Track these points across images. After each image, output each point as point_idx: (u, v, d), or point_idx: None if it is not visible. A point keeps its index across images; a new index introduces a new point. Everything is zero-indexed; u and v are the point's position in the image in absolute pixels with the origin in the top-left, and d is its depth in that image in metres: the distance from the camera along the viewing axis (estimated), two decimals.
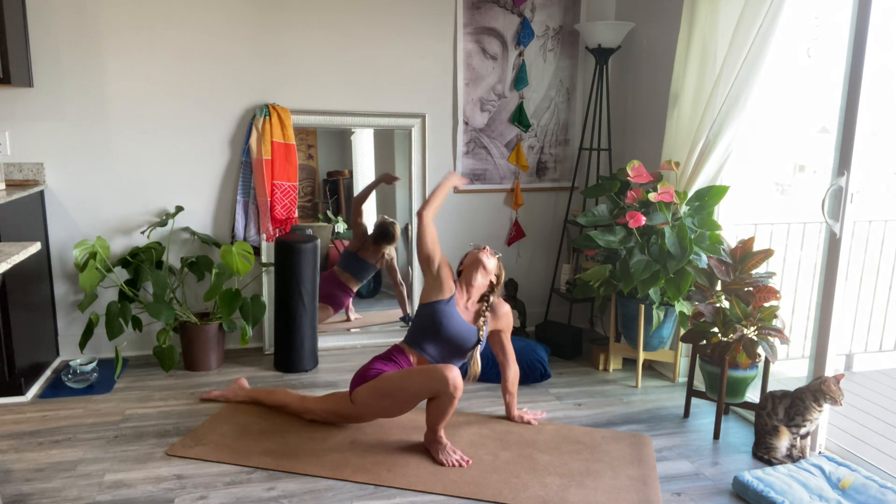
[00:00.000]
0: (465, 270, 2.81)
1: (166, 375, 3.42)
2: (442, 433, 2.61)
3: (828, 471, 2.49)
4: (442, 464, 2.56)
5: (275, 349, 3.56)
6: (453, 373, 2.48)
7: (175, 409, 3.02)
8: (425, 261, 2.75)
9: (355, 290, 3.96)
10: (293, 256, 3.39)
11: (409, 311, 4.02)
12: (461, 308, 2.76)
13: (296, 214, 3.67)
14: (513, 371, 2.95)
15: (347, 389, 2.83)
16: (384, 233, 3.92)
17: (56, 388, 3.22)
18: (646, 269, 3.12)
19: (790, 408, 2.62)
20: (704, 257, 3.09)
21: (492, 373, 3.41)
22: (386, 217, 3.95)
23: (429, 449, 2.63)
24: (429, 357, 2.72)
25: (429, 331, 2.71)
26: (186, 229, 3.65)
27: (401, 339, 3.91)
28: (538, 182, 4.17)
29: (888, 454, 2.97)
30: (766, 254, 2.88)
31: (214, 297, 3.38)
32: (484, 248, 2.82)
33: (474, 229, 4.12)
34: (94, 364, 3.25)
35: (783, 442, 2.63)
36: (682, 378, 3.50)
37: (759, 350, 2.71)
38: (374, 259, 3.91)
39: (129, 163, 3.54)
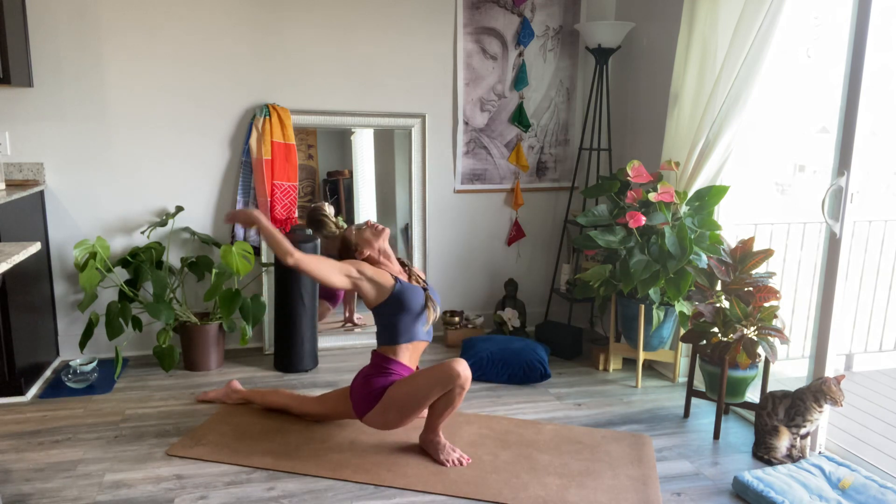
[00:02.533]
0: (368, 249, 2.71)
1: (166, 375, 3.42)
2: (440, 432, 2.61)
3: (828, 471, 2.49)
4: (442, 463, 2.55)
5: (275, 349, 3.56)
6: (461, 366, 2.45)
7: (175, 409, 3.02)
8: (351, 286, 2.59)
9: None
10: None
11: (355, 311, 3.99)
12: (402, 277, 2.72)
13: (296, 214, 3.68)
14: None
15: (342, 388, 2.84)
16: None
17: (56, 388, 3.22)
18: (646, 269, 3.12)
19: (790, 408, 2.62)
20: (704, 257, 3.09)
21: (492, 373, 3.42)
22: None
23: (426, 449, 2.63)
24: (406, 338, 2.65)
25: (400, 318, 2.62)
26: (186, 229, 3.65)
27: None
28: (538, 182, 4.17)
29: (888, 454, 2.97)
30: (766, 254, 2.88)
31: (214, 297, 3.38)
32: (362, 229, 2.72)
33: (474, 229, 4.12)
34: (94, 364, 3.25)
35: (783, 442, 2.63)
36: (682, 378, 3.50)
37: (759, 350, 2.71)
38: (334, 249, 3.89)
39: (129, 163, 3.54)
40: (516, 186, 4.12)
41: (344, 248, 2.77)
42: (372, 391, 2.60)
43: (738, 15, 2.90)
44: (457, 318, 3.98)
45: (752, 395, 3.05)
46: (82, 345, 3.30)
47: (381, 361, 2.66)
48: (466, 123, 3.98)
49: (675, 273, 3.10)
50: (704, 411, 3.13)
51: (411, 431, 2.80)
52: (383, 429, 2.68)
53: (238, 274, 3.35)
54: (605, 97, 3.96)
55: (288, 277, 3.42)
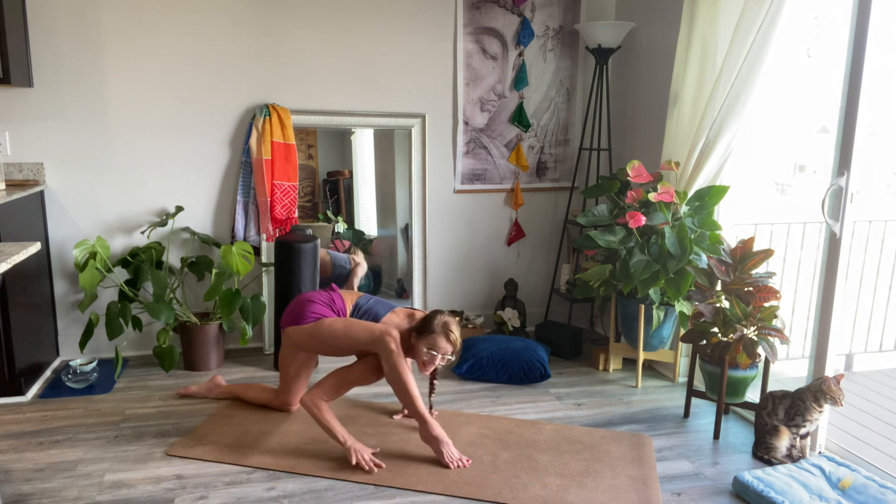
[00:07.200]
0: (422, 347, 2.71)
1: (166, 375, 3.42)
2: (423, 409, 2.57)
3: (828, 471, 2.49)
4: (443, 462, 2.55)
5: (275, 349, 3.56)
6: (394, 344, 2.59)
7: (175, 409, 3.03)
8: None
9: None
10: (293, 256, 3.39)
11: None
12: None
13: (296, 214, 3.67)
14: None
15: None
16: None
17: (56, 388, 3.22)
18: (646, 269, 3.11)
19: (790, 408, 2.62)
20: (704, 257, 3.09)
21: (492, 373, 3.42)
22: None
23: (430, 446, 2.61)
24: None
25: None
26: (186, 229, 3.65)
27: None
28: (538, 182, 4.17)
29: (888, 454, 2.97)
30: (766, 254, 2.88)
31: (214, 297, 3.38)
32: (444, 341, 2.74)
33: (474, 229, 4.12)
34: (94, 364, 3.25)
35: (783, 442, 2.63)
36: (682, 378, 3.50)
37: (759, 350, 2.71)
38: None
39: (129, 163, 3.54)
40: (516, 186, 4.12)
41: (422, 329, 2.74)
42: (309, 313, 2.75)
43: (738, 15, 2.90)
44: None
45: (752, 395, 3.05)
46: (82, 345, 3.30)
47: (334, 297, 2.84)
48: (466, 123, 3.98)
49: (675, 273, 3.10)
50: (704, 411, 3.13)
51: (412, 432, 2.80)
52: (294, 349, 2.83)
53: (238, 274, 3.35)
54: (605, 97, 3.96)
55: (288, 277, 3.42)
